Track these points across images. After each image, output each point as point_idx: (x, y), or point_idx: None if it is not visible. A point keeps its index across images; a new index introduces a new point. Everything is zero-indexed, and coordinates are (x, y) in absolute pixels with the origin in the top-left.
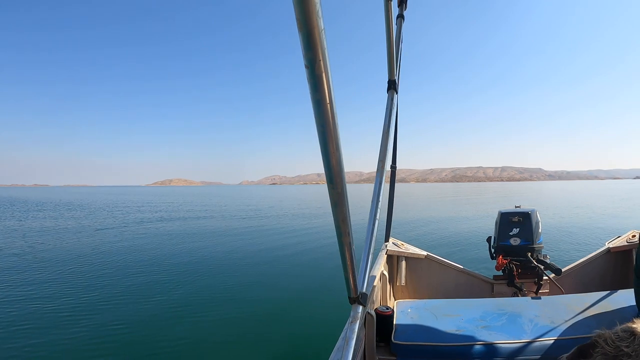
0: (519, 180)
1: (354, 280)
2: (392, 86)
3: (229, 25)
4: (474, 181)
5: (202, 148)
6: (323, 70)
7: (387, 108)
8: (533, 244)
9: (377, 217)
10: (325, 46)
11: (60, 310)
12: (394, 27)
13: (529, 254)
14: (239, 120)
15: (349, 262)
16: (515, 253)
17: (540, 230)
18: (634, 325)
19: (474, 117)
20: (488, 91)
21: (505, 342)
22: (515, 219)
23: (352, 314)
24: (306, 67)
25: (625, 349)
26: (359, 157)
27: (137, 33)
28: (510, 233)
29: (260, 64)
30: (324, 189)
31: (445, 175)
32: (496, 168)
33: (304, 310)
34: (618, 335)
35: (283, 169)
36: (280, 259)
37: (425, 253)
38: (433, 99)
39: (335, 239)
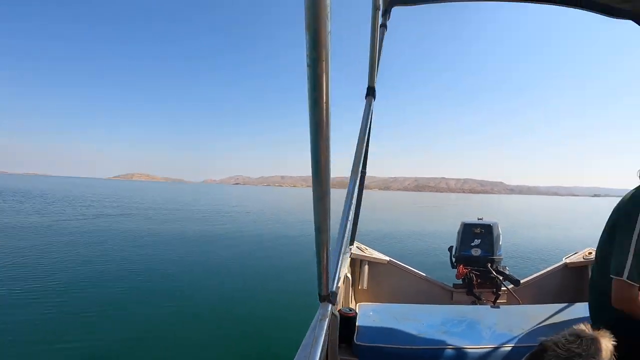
0: (480, 192)
1: (327, 278)
2: (371, 92)
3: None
4: (436, 191)
5: (164, 142)
6: (324, 70)
7: (364, 113)
8: (493, 255)
9: (350, 218)
10: (330, 47)
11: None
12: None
13: (489, 264)
14: (204, 117)
15: (324, 260)
16: (476, 263)
17: (500, 243)
18: (579, 329)
19: (439, 129)
20: (455, 106)
21: (464, 347)
22: (478, 230)
23: (321, 311)
24: (308, 65)
25: (576, 350)
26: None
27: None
28: (472, 244)
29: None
30: (287, 191)
31: (408, 184)
32: (458, 180)
33: (266, 310)
34: (566, 339)
35: (246, 169)
36: (243, 260)
37: (387, 258)
38: (400, 109)
39: (298, 240)
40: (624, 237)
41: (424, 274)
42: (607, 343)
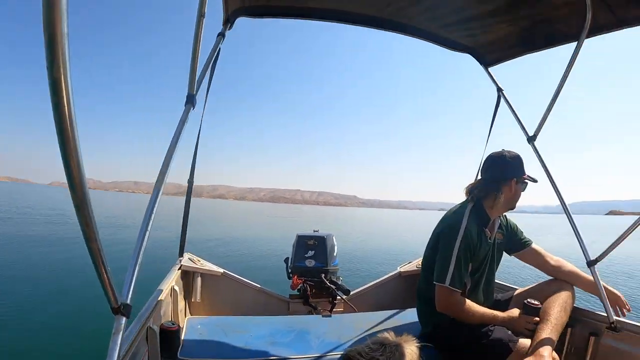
0: (334, 205)
1: (112, 289)
2: (190, 100)
3: None
4: (292, 203)
5: (8, 133)
6: (62, 74)
7: (180, 121)
8: (327, 266)
9: (149, 228)
10: (67, 50)
11: None
12: (201, 42)
13: (323, 275)
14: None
15: (102, 269)
16: (310, 274)
17: (335, 254)
18: (383, 337)
19: (298, 143)
20: (310, 119)
21: (291, 357)
22: (311, 242)
23: (115, 325)
24: (47, 68)
25: (380, 357)
26: (183, 169)
27: None
28: (306, 255)
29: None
30: (139, 198)
31: (264, 195)
32: (313, 192)
33: (69, 323)
34: (370, 347)
35: (99, 172)
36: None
37: (222, 270)
38: (256, 121)
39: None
40: (447, 247)
41: (259, 286)
42: (411, 347)
